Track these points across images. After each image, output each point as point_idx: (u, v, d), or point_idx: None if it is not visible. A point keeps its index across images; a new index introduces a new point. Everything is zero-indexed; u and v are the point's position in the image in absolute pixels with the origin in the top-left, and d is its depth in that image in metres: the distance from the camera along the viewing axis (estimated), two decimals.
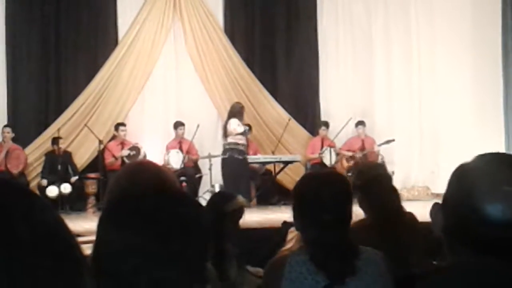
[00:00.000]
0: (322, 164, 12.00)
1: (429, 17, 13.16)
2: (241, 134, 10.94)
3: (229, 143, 10.98)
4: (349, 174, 12.15)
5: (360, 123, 12.48)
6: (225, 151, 11.03)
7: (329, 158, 11.91)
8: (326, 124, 12.54)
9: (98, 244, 1.32)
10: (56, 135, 11.34)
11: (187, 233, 1.30)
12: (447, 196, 1.45)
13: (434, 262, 3.56)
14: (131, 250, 1.26)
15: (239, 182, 10.82)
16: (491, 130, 11.94)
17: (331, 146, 12.14)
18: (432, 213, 1.48)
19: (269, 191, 11.71)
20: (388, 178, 4.00)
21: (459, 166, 1.46)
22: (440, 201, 1.48)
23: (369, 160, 11.91)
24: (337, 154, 12.20)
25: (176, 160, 11.49)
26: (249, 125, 11.65)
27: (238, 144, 10.94)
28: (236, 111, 11.18)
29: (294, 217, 2.54)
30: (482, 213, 1.34)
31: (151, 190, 1.42)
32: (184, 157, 11.52)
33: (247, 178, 11.07)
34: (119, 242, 1.27)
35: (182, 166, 11.46)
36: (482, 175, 1.38)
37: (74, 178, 11.21)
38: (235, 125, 10.94)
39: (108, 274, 1.26)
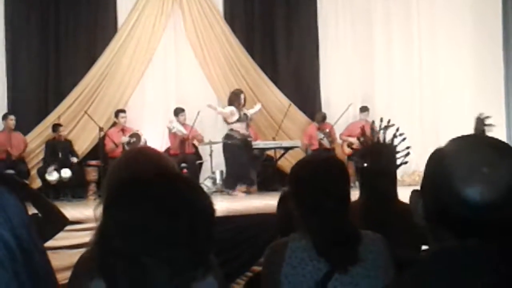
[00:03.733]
0: (322, 148, 12.02)
1: (429, 1, 13.12)
2: (238, 121, 11.05)
3: (228, 129, 11.19)
4: (351, 159, 12.21)
5: (365, 109, 12.47)
6: (224, 137, 11.22)
7: (326, 141, 12.01)
8: (324, 118, 12.50)
9: (105, 225, 1.33)
10: (58, 123, 11.37)
11: (194, 215, 1.31)
12: (425, 182, 1.44)
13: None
14: (141, 230, 1.27)
15: (239, 167, 10.91)
16: (492, 114, 11.91)
17: (325, 128, 12.18)
18: (412, 200, 1.46)
19: (270, 177, 11.73)
20: (392, 164, 3.95)
21: (435, 151, 1.45)
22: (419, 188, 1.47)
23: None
24: (332, 141, 12.21)
25: (182, 127, 11.55)
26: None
27: (233, 130, 11.06)
28: (231, 99, 11.35)
29: (293, 203, 2.52)
30: (461, 197, 1.33)
31: (156, 174, 1.43)
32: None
33: (247, 164, 11.11)
34: (128, 222, 1.29)
35: (187, 135, 11.49)
36: (458, 158, 1.37)
37: (74, 159, 11.28)
38: (227, 113, 11.15)
39: (117, 253, 1.27)
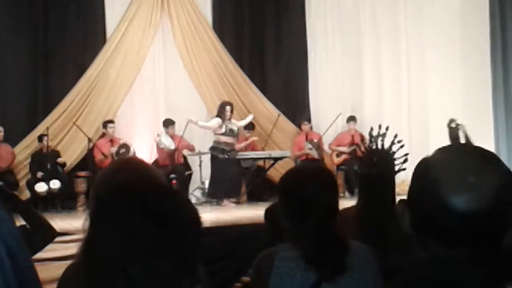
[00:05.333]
0: (311, 158, 12.04)
1: (418, 10, 13.19)
2: (223, 134, 11.08)
3: (213, 141, 11.26)
4: (340, 168, 12.22)
5: (351, 118, 12.52)
6: (210, 148, 11.31)
7: (314, 152, 12.03)
8: (308, 119, 12.60)
9: (91, 236, 1.33)
10: (45, 134, 11.32)
11: (181, 226, 1.31)
12: (411, 191, 1.44)
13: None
14: (128, 241, 1.26)
15: (224, 179, 10.91)
16: (480, 123, 11.99)
17: (313, 138, 12.21)
18: (399, 210, 1.46)
19: (259, 187, 11.73)
20: (390, 169, 3.96)
21: (421, 160, 1.45)
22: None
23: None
24: (320, 150, 12.25)
25: (169, 141, 11.52)
26: (252, 124, 11.85)
27: (220, 142, 11.10)
28: (218, 111, 11.36)
29: (282, 213, 2.52)
30: (447, 205, 1.33)
31: (143, 185, 1.43)
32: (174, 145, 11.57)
33: (234, 175, 11.12)
34: (115, 233, 1.28)
35: (175, 148, 11.46)
36: (445, 167, 1.37)
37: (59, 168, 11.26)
38: (213, 125, 11.18)
39: (104, 264, 1.26)
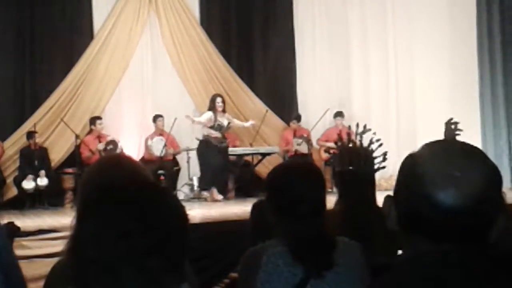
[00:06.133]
0: (299, 154, 12.03)
1: (405, 6, 13.21)
2: (211, 128, 11.04)
3: (203, 135, 11.28)
4: (328, 164, 12.24)
5: (339, 114, 12.54)
6: (199, 142, 11.29)
7: (305, 147, 12.02)
8: (297, 118, 12.58)
9: (79, 233, 1.32)
10: (32, 130, 11.27)
11: (170, 223, 1.31)
12: (398, 187, 1.44)
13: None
14: (115, 238, 1.26)
15: (211, 169, 10.89)
16: (467, 119, 12.02)
17: (302, 134, 12.21)
18: (385, 205, 1.47)
19: (247, 183, 11.72)
20: (368, 167, 3.96)
21: (408, 156, 1.45)
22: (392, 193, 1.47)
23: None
24: (311, 145, 12.26)
25: (159, 148, 11.48)
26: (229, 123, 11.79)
27: (209, 136, 11.09)
28: (209, 105, 11.35)
29: (269, 209, 2.52)
30: (433, 200, 1.33)
31: (131, 182, 1.42)
32: (164, 147, 11.51)
33: (220, 168, 11.09)
34: (102, 230, 1.28)
35: (163, 154, 11.45)
36: (431, 163, 1.37)
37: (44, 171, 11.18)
38: (203, 119, 11.16)
39: (91, 261, 1.26)
